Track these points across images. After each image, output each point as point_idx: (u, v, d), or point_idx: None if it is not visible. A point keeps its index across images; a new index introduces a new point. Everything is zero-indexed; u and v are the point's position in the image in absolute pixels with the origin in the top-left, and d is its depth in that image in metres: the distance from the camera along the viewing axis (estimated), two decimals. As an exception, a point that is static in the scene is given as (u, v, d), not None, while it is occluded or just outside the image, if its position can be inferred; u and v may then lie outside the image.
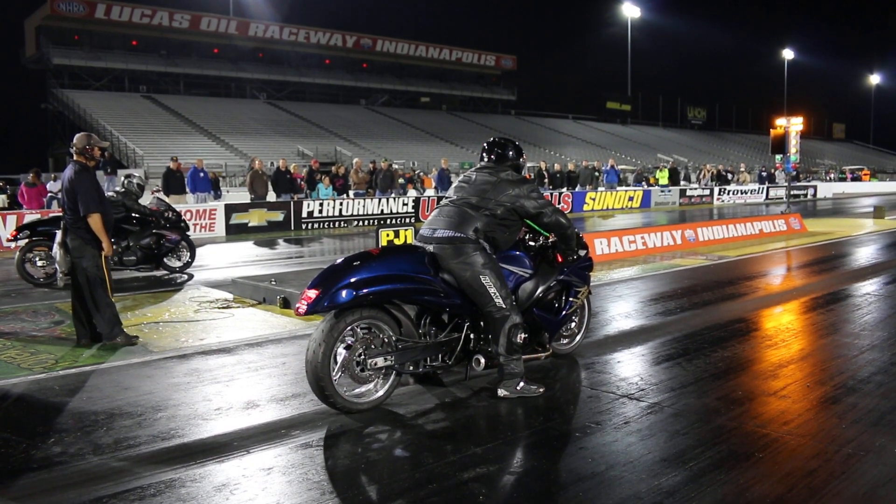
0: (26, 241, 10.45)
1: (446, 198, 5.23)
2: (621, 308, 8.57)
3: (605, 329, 7.34)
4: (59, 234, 7.23)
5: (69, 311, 7.17)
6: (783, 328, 7.52)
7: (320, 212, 21.69)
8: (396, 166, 30.54)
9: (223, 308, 8.59)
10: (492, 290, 4.79)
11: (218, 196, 23.08)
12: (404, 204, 23.35)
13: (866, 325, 7.51)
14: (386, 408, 4.81)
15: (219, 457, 4.04)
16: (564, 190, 26.86)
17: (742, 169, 41.56)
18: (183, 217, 12.13)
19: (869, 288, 9.83)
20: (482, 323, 5.01)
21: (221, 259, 14.18)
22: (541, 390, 5.01)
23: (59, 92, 51.19)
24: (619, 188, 30.25)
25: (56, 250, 7.22)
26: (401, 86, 70.07)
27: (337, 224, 21.82)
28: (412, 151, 49.47)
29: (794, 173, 43.20)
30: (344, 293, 4.40)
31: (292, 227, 20.91)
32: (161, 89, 56.57)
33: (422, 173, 31.92)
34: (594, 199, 27.10)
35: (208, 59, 59.50)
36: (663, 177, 32.82)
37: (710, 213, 26.93)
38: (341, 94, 65.55)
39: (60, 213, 7.39)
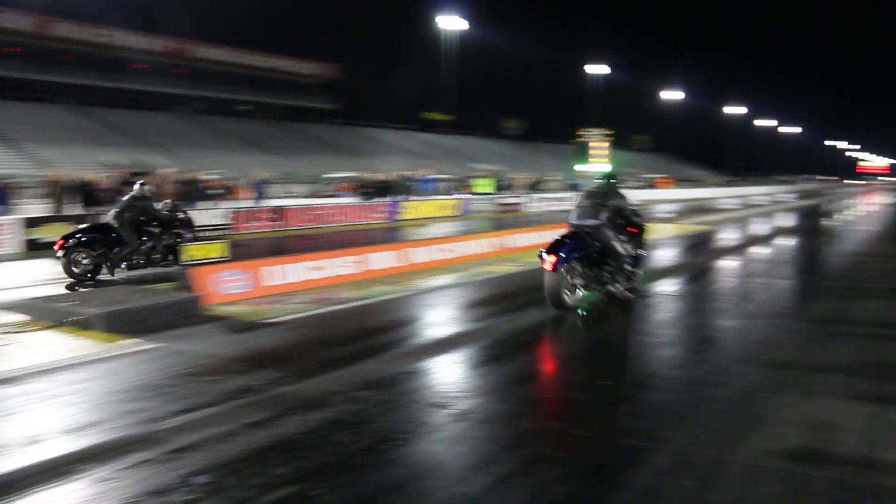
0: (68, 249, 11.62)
1: (579, 206, 9.01)
2: (436, 316, 8.73)
3: (418, 338, 7.45)
4: None
5: None
6: (585, 329, 7.93)
7: (129, 225, 20.46)
8: (213, 176, 29.51)
9: (15, 332, 7.93)
10: (618, 248, 8.70)
11: (8, 209, 21.22)
12: (217, 216, 22.47)
13: (660, 323, 8.07)
14: (191, 433, 4.63)
15: (-1, 499, 3.71)
16: (382, 199, 27.00)
17: (553, 177, 43.51)
18: (191, 217, 13.34)
19: (664, 288, 10.57)
20: (611, 263, 8.81)
21: (14, 279, 13.05)
22: (631, 296, 9.04)
23: None
24: (436, 197, 30.80)
25: None
26: (219, 93, 67.82)
27: (147, 238, 20.69)
28: (230, 161, 47.95)
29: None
30: (565, 254, 8.24)
31: (97, 242, 19.56)
32: (-52, 91, 51.63)
33: (239, 183, 30.99)
34: (412, 208, 27.42)
35: (8, 59, 54.91)
36: (484, 185, 33.74)
37: (522, 221, 27.89)
38: (157, 101, 62.51)
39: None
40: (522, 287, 10.81)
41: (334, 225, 23.89)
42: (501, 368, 6.14)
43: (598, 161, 42.68)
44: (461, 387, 5.60)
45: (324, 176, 45.45)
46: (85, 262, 11.70)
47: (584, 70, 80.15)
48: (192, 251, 10.67)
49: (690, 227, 22.43)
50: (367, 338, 7.45)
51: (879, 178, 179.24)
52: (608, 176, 9.48)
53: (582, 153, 42.48)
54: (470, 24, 71.89)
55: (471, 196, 32.41)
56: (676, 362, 6.34)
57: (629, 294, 8.97)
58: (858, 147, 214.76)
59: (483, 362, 6.46)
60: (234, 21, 65.06)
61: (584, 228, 8.72)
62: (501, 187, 35.58)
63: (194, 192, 22.77)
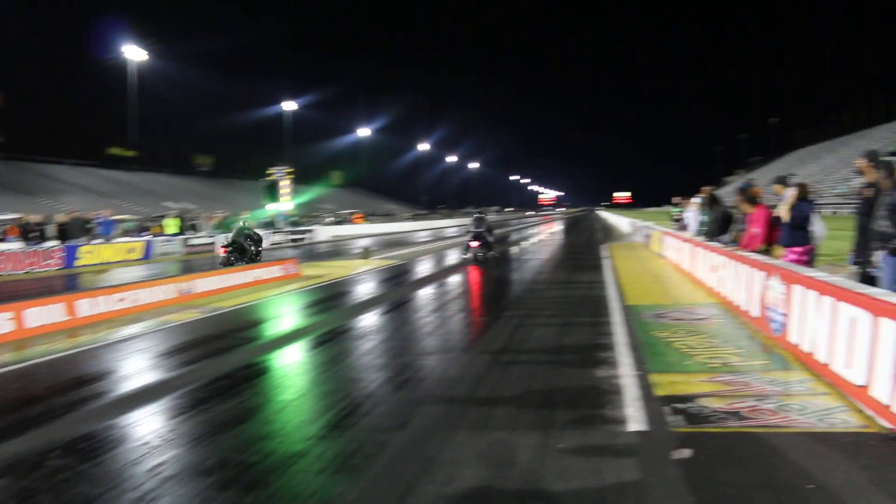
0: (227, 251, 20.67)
1: (473, 224, 20.96)
2: (103, 377, 7.81)
3: (79, 406, 6.53)
4: None
5: None
6: (264, 383, 7.61)
7: None
8: None
9: None
10: (490, 239, 21.35)
11: None
12: None
13: (346, 366, 7.98)
14: None
15: None
16: (54, 244, 24.44)
17: (243, 216, 42.50)
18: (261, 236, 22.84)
19: (351, 327, 10.59)
20: (489, 244, 21.53)
21: None
22: (498, 255, 23.64)
23: None
24: (117, 240, 28.53)
25: None
26: None
27: None
28: None
29: (294, 219, 45.71)
30: (480, 241, 20.70)
31: None
32: None
33: None
34: (90, 253, 25.11)
35: None
36: (172, 226, 31.93)
37: (209, 264, 26.84)
38: None
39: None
40: (203, 336, 10.20)
41: (-7, 275, 21.23)
42: (164, 435, 5.63)
43: (285, 199, 42.78)
44: (120, 461, 5.00)
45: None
46: (232, 259, 20.17)
47: (278, 106, 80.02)
48: None
49: (385, 261, 23.03)
50: (14, 412, 6.45)
51: (557, 209, 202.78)
52: (481, 212, 21.76)
53: (272, 191, 42.18)
54: (159, 56, 68.62)
55: (158, 237, 30.49)
56: (355, 409, 6.21)
57: (497, 254, 22.18)
58: (529, 181, 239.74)
59: (152, 426, 5.89)
60: None
61: (479, 231, 20.25)
62: (191, 227, 33.94)
63: None
